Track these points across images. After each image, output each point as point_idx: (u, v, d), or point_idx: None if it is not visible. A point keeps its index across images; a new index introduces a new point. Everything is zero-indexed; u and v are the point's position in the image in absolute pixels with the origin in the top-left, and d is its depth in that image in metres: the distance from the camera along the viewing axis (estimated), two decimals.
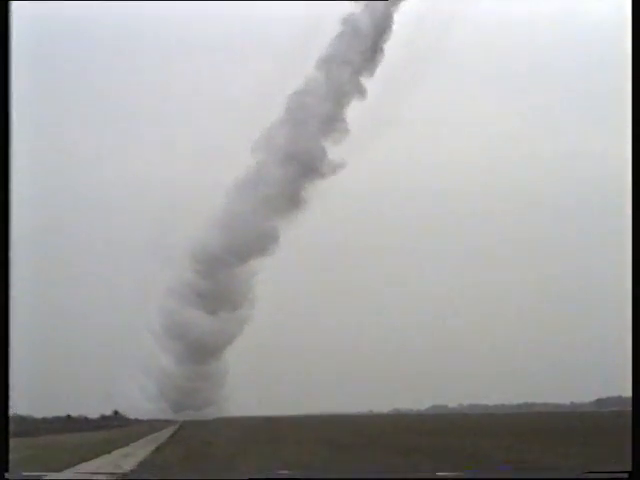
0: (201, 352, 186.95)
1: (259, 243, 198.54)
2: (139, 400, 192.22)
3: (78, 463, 37.71)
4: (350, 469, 29.71)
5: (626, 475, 6.04)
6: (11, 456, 43.67)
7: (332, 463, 33.17)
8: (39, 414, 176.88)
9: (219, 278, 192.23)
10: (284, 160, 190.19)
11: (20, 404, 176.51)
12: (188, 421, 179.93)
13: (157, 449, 50.88)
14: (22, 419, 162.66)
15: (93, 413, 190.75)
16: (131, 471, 27.96)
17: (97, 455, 45.28)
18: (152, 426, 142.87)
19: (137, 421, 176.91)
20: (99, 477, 8.95)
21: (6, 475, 5.96)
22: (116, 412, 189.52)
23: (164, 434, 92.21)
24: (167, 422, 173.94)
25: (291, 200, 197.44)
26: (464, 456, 35.03)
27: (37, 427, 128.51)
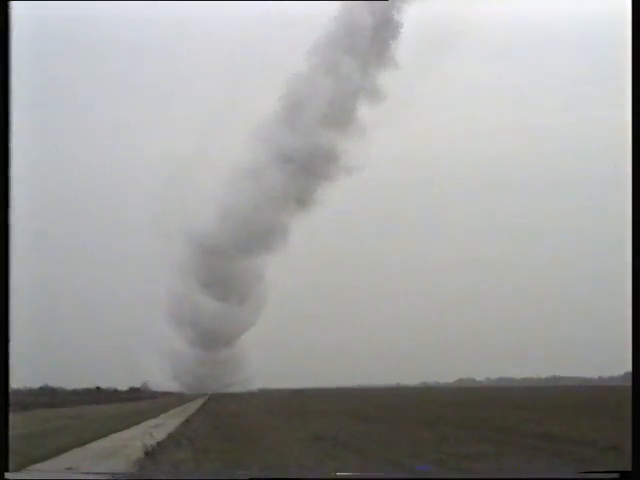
0: (211, 339, 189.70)
1: (266, 238, 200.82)
2: (162, 375, 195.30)
3: (109, 434, 38.19)
4: (377, 441, 29.82)
5: (625, 475, 6.01)
6: (44, 426, 44.49)
7: (359, 435, 33.30)
8: (70, 386, 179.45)
9: (225, 269, 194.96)
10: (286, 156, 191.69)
11: (51, 376, 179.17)
12: (217, 393, 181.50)
13: (186, 420, 51.30)
14: (53, 391, 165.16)
15: (122, 385, 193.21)
16: (158, 443, 28.20)
17: (127, 426, 45.81)
18: (181, 398, 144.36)
19: (166, 393, 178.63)
20: (100, 477, 9.00)
21: (6, 475, 6.02)
22: (145, 384, 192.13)
23: (193, 406, 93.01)
24: (196, 394, 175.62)
25: (298, 199, 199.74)
26: (491, 428, 35.03)
27: (68, 398, 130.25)
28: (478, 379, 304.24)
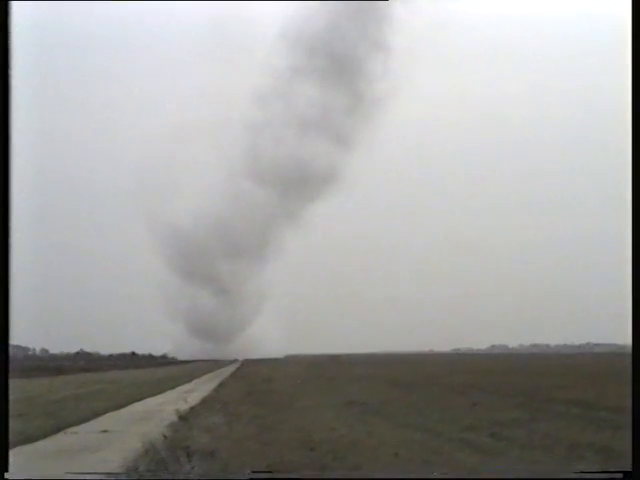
0: (207, 334, 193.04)
1: (254, 247, 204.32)
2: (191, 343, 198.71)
3: (143, 398, 38.62)
4: (409, 406, 29.86)
5: (621, 475, 5.91)
6: (80, 390, 45.01)
7: (391, 400, 33.37)
8: (105, 351, 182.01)
9: (214, 270, 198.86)
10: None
11: (88, 342, 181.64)
12: (250, 359, 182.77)
13: (219, 385, 51.73)
14: (89, 355, 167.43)
15: (157, 351, 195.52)
16: (192, 408, 28.44)
17: (162, 391, 46.31)
18: (214, 364, 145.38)
19: (199, 360, 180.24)
20: (101, 477, 9.10)
21: (6, 475, 6.05)
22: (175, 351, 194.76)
23: (226, 371, 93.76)
24: (230, 360, 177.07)
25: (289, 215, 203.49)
26: (523, 394, 34.91)
27: (103, 363, 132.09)
28: (511, 346, 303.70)
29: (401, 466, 14.18)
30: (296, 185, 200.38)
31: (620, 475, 5.85)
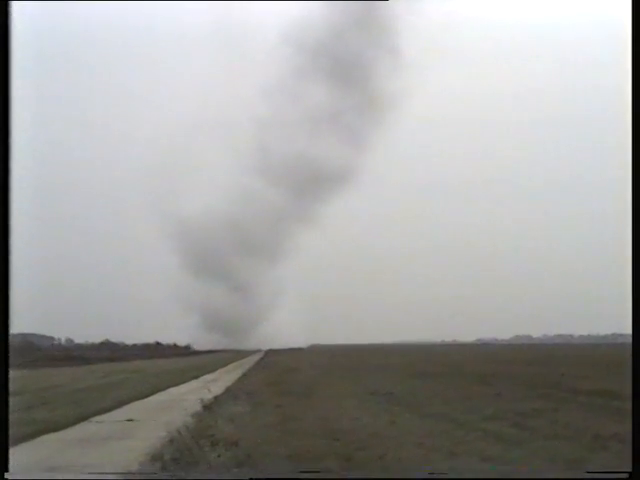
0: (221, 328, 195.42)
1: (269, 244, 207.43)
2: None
3: (167, 388, 38.86)
4: (432, 396, 29.84)
5: (626, 475, 5.86)
6: (105, 380, 45.36)
7: (414, 390, 33.37)
8: (129, 341, 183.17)
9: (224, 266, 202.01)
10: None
11: (113, 332, 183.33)
12: (273, 349, 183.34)
13: (243, 375, 51.98)
14: (114, 345, 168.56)
15: (181, 341, 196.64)
16: (216, 397, 28.55)
17: (186, 380, 46.57)
18: (238, 354, 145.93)
19: (223, 350, 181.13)
20: (103, 477, 9.15)
21: (6, 475, 6.13)
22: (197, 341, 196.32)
23: (250, 361, 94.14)
24: (253, 350, 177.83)
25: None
26: (547, 384, 34.78)
27: (127, 353, 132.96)
28: (535, 336, 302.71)
29: (424, 455, 14.18)
30: (308, 184, 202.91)
31: (625, 475, 5.82)
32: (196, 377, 51.38)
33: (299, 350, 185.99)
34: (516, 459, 13.61)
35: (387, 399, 29.31)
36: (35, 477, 7.05)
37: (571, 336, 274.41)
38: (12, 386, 32.71)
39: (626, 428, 7.66)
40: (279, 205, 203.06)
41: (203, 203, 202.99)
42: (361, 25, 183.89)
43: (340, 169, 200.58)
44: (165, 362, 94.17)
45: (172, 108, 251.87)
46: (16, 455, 16.06)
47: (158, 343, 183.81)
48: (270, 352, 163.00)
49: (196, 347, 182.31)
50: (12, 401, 27.37)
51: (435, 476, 6.42)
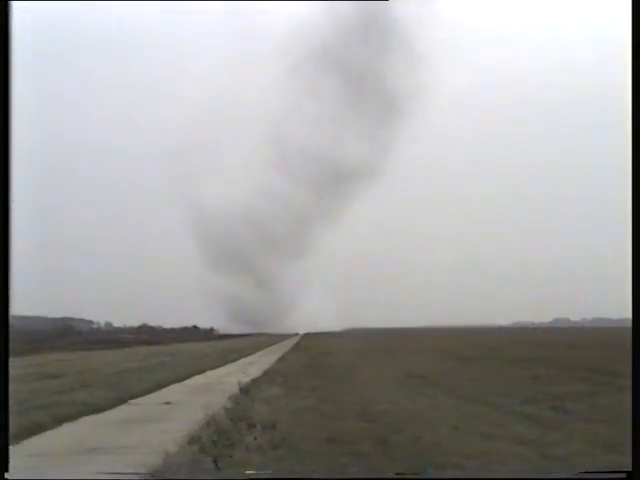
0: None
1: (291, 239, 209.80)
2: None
3: (205, 370, 39.17)
4: (469, 379, 29.75)
5: (624, 475, 5.78)
6: (143, 363, 45.82)
7: (451, 373, 33.28)
8: (167, 324, 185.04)
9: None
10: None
11: (150, 316, 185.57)
12: (310, 333, 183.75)
13: (280, 358, 52.19)
14: (152, 329, 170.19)
15: (219, 325, 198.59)
16: (253, 380, 28.68)
17: (223, 363, 46.92)
18: (275, 337, 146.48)
19: (259, 333, 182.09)
20: (104, 477, 9.19)
21: (6, 475, 6.18)
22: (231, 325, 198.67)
23: (286, 344, 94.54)
24: (291, 334, 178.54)
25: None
26: (586, 368, 34.47)
27: (165, 336, 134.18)
28: (573, 319, 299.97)
29: (460, 438, 14.16)
30: (330, 180, 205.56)
31: (624, 475, 5.76)
32: (234, 360, 51.73)
33: (334, 334, 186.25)
34: (553, 442, 13.53)
35: (423, 382, 29.28)
36: (35, 477, 7.14)
37: (609, 319, 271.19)
38: (53, 369, 33.51)
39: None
40: (302, 199, 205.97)
41: (225, 197, 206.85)
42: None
43: (360, 163, 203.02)
44: (203, 345, 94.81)
45: (190, 102, 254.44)
46: (59, 435, 16.38)
47: (195, 327, 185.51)
48: (307, 336, 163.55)
49: (233, 331, 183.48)
50: (54, 383, 27.95)
51: (436, 476, 6.42)
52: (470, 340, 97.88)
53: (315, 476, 6.61)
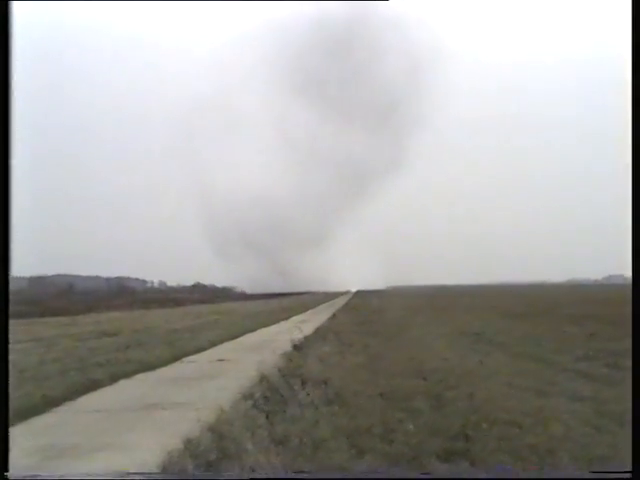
0: None
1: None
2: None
3: (257, 329, 39.49)
4: (522, 336, 29.55)
5: (628, 475, 5.62)
6: (196, 321, 46.32)
7: (504, 330, 33.09)
8: (220, 284, 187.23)
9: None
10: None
11: (202, 276, 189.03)
12: (362, 290, 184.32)
13: (332, 316, 52.36)
14: (204, 288, 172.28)
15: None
16: (306, 337, 28.79)
17: (275, 321, 47.26)
18: (327, 295, 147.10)
19: (311, 291, 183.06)
20: (105, 477, 9.18)
21: (6, 475, 6.21)
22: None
23: (339, 302, 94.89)
24: (341, 292, 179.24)
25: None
26: None
27: (217, 295, 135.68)
28: (627, 275, 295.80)
29: (514, 395, 14.06)
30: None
31: (627, 475, 5.61)
32: (286, 318, 52.07)
33: (380, 292, 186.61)
34: (609, 399, 13.35)
35: (476, 339, 29.16)
36: (35, 477, 7.20)
37: None
38: (109, 327, 34.03)
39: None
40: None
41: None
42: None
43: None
44: (255, 304, 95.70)
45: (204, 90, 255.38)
46: (115, 391, 16.65)
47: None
48: (358, 293, 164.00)
49: (284, 290, 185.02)
50: (110, 341, 28.40)
51: (435, 476, 6.37)
52: (524, 297, 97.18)
53: (316, 476, 6.59)
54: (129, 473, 7.18)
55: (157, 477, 6.59)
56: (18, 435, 11.71)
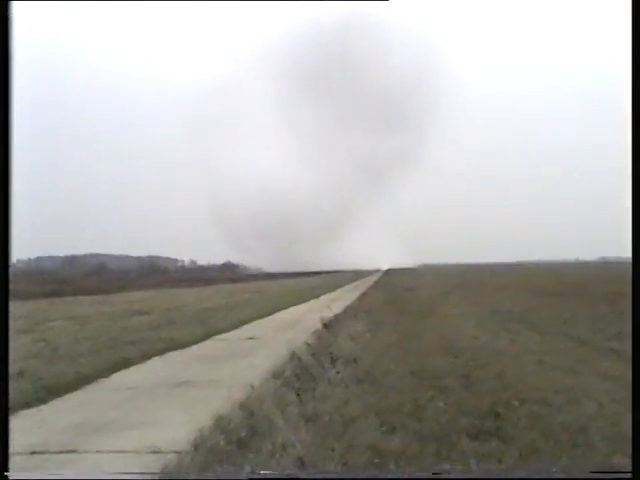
0: None
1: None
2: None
3: (288, 307, 39.60)
4: (554, 315, 29.38)
5: (628, 475, 5.54)
6: (227, 300, 46.51)
7: (536, 309, 32.91)
8: (250, 263, 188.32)
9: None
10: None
11: (233, 255, 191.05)
12: (392, 269, 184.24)
13: (362, 294, 52.39)
14: (235, 267, 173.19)
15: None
16: (336, 316, 28.82)
17: (306, 300, 47.36)
18: (357, 274, 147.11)
19: (342, 270, 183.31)
20: (106, 477, 9.11)
21: (6, 475, 6.25)
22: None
23: (368, 281, 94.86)
24: (372, 270, 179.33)
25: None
26: None
27: (247, 274, 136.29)
28: None
29: (544, 374, 13.99)
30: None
31: (627, 475, 5.55)
32: (316, 296, 52.16)
33: (410, 270, 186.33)
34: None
35: (507, 318, 29.02)
36: (35, 477, 7.28)
37: None
38: (141, 306, 34.26)
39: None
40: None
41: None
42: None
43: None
44: (286, 282, 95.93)
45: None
46: (147, 369, 16.80)
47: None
48: (388, 272, 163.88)
49: (315, 269, 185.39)
50: (141, 320, 28.60)
51: (435, 476, 6.36)
52: (555, 276, 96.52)
53: (316, 476, 6.60)
54: (129, 473, 7.26)
55: (157, 477, 6.66)
56: (53, 412, 11.89)
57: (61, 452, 9.10)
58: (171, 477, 6.59)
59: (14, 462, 8.70)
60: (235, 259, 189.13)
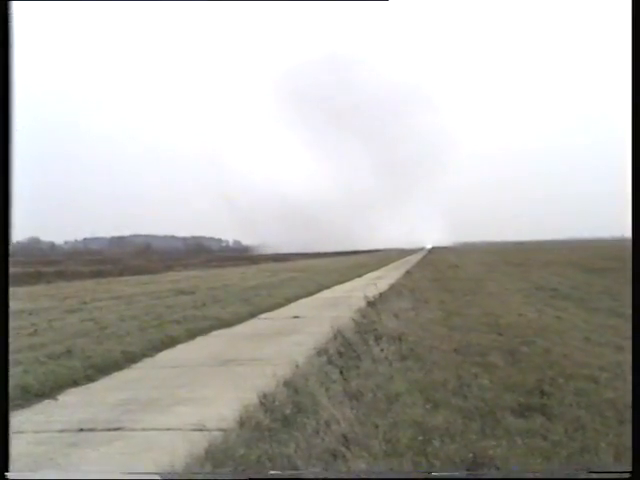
0: None
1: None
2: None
3: (332, 286, 39.69)
4: (600, 292, 29.07)
5: (628, 475, 5.40)
6: (271, 279, 46.76)
7: (582, 285, 32.59)
8: (295, 242, 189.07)
9: None
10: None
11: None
12: (437, 247, 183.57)
13: (407, 272, 52.24)
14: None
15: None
16: (380, 294, 28.75)
17: (350, 278, 47.44)
18: (401, 252, 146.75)
19: (385, 249, 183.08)
20: (105, 477, 9.08)
21: (6, 475, 6.28)
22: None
23: (413, 259, 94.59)
24: (416, 249, 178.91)
25: None
26: None
27: (292, 252, 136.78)
28: None
29: (591, 350, 13.86)
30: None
31: (628, 475, 5.44)
32: (360, 275, 52.20)
33: (454, 249, 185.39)
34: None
35: (553, 294, 28.78)
36: (35, 477, 7.36)
37: None
38: (187, 285, 34.43)
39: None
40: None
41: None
42: None
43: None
44: (329, 261, 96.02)
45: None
46: (193, 347, 16.99)
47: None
48: (432, 250, 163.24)
49: (359, 248, 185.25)
50: (187, 299, 28.85)
51: (435, 476, 6.29)
52: (601, 252, 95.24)
53: (315, 476, 6.58)
54: (129, 473, 7.33)
55: (157, 477, 6.72)
56: (101, 389, 12.09)
57: (108, 429, 9.25)
58: (171, 477, 6.66)
59: (61, 439, 8.87)
60: (279, 240, 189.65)
